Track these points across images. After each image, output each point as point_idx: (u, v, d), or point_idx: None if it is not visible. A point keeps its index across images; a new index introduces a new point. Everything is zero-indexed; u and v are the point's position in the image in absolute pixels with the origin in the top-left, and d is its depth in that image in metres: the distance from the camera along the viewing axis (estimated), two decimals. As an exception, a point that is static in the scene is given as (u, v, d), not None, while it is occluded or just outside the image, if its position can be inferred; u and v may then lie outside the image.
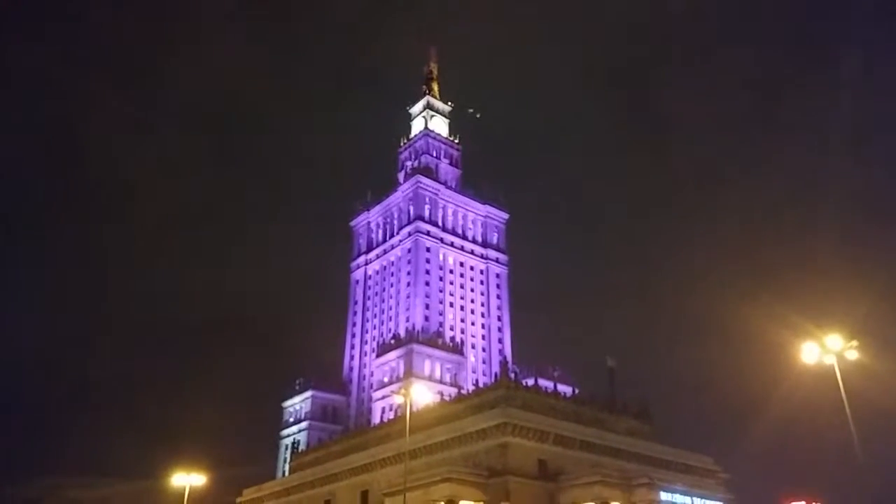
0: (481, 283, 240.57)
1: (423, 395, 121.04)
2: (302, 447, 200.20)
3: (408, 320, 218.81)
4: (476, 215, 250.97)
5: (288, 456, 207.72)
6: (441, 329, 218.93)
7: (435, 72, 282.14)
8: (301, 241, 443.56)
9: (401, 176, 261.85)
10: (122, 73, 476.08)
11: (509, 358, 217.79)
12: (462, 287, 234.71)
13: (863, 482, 56.32)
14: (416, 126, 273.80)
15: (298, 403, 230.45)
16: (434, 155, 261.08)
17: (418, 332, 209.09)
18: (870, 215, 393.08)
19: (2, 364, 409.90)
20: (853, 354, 51.63)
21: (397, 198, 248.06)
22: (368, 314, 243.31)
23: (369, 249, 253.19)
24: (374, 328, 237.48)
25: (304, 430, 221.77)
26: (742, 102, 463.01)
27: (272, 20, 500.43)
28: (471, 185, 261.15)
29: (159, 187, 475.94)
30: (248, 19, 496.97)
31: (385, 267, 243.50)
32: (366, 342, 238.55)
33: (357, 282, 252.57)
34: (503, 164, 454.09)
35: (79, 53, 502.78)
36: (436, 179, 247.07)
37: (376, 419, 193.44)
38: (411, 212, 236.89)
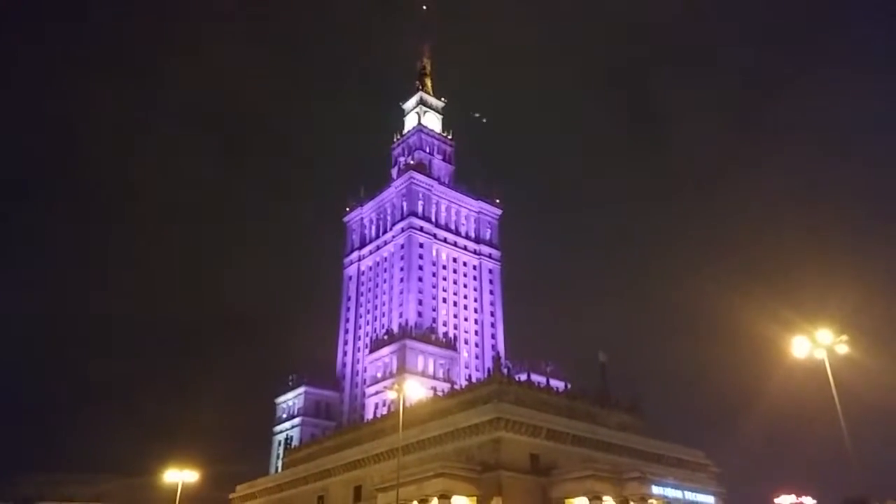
0: (474, 278, 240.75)
1: (416, 390, 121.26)
2: (295, 443, 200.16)
3: (401, 316, 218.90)
4: (469, 211, 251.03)
5: (281, 452, 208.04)
6: (434, 325, 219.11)
7: (428, 68, 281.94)
8: (294, 238, 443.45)
9: (394, 172, 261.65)
10: (122, 73, 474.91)
11: (502, 353, 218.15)
12: (455, 283, 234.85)
13: (852, 476, 56.79)
14: (410, 122, 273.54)
15: (291, 399, 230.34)
16: (427, 151, 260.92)
17: (411, 327, 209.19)
18: (862, 212, 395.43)
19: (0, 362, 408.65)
20: (843, 349, 52.02)
21: (390, 194, 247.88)
22: (361, 310, 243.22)
23: (362, 245, 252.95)
24: (368, 324, 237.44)
25: (297, 426, 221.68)
26: (741, 102, 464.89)
27: (270, 20, 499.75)
28: (464, 181, 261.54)
29: (159, 187, 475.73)
30: (247, 19, 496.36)
31: (378, 263, 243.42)
32: (359, 338, 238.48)
33: (350, 278, 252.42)
34: (496, 160, 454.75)
35: (79, 53, 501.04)
36: (429, 175, 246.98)
37: (369, 415, 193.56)
38: (404, 208, 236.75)
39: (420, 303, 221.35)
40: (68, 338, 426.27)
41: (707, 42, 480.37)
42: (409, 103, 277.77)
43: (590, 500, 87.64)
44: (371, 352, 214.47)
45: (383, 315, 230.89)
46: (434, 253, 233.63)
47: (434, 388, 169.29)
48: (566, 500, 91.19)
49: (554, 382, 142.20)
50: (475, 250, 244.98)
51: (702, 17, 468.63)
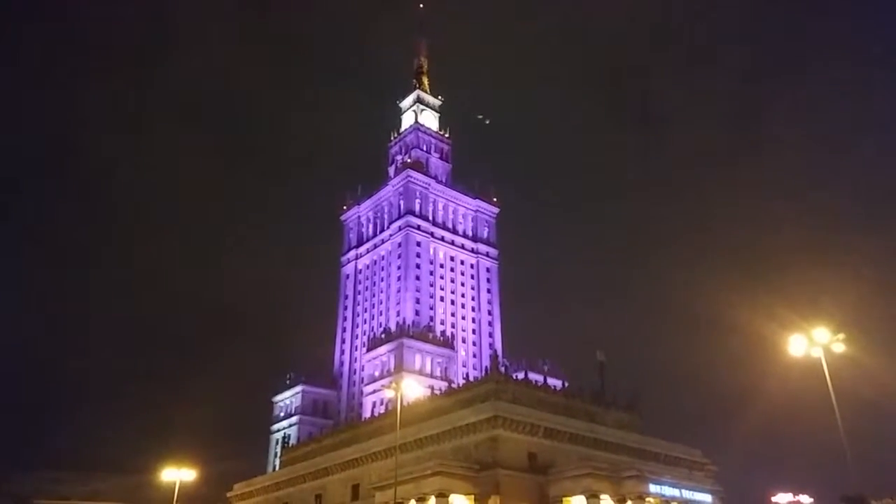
0: (472, 277, 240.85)
1: (413, 389, 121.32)
2: (292, 441, 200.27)
3: (398, 314, 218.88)
4: (466, 209, 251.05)
5: (279, 450, 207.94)
6: (431, 323, 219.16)
7: (425, 66, 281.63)
8: (291, 236, 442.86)
9: (391, 170, 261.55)
10: (122, 72, 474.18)
11: (499, 352, 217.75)
12: (452, 281, 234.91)
13: (849, 474, 56.89)
14: (407, 120, 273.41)
15: (289, 398, 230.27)
16: (424, 149, 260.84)
17: (409, 326, 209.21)
18: (860, 211, 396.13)
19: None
20: (840, 347, 52.00)
21: (388, 192, 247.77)
22: (359, 308, 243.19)
23: (360, 244, 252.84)
24: (365, 322, 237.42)
25: (294, 424, 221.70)
26: (741, 101, 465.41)
27: (268, 19, 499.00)
28: (461, 180, 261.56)
29: (158, 186, 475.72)
30: (246, 18, 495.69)
31: (375, 261, 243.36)
32: (356, 336, 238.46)
33: (347, 276, 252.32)
34: (494, 158, 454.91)
35: (78, 52, 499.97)
36: (426, 174, 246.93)
37: (367, 413, 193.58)
38: (402, 206, 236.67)
39: (417, 301, 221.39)
40: (66, 337, 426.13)
41: (707, 42, 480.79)
42: (407, 101, 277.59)
43: (587, 498, 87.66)
44: (368, 350, 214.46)
45: (381, 314, 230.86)
46: (431, 251, 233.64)
47: (432, 387, 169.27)
48: (564, 499, 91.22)
49: (551, 381, 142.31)
50: (473, 249, 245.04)
51: (702, 17, 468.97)
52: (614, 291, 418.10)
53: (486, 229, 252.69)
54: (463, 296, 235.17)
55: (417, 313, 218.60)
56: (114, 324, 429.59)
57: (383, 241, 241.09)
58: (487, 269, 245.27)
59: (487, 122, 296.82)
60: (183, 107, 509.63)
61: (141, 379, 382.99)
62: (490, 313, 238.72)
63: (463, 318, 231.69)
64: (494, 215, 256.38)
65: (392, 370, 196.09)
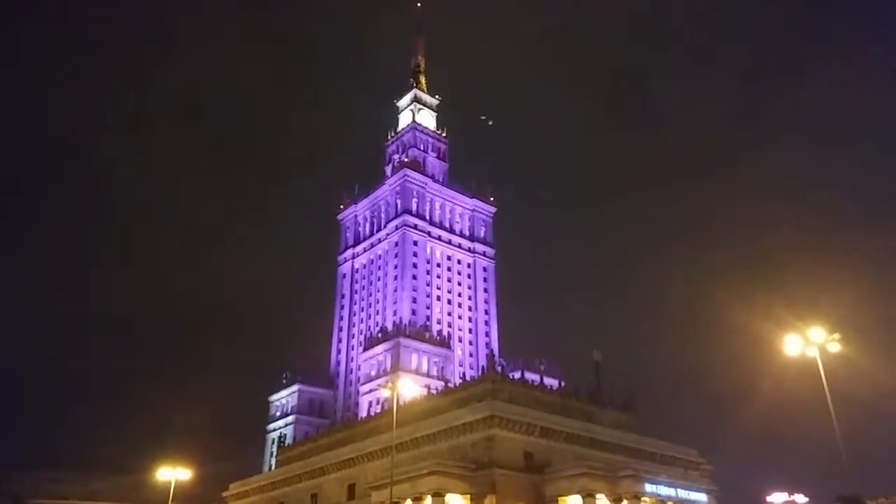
0: (468, 276, 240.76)
1: (409, 388, 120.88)
2: (289, 441, 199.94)
3: (395, 314, 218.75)
4: (463, 209, 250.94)
5: (274, 450, 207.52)
6: (428, 323, 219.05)
7: (423, 65, 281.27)
8: (289, 236, 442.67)
9: (388, 169, 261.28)
10: (122, 72, 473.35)
11: (496, 351, 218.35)
12: (449, 281, 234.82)
13: (844, 473, 56.96)
14: (404, 119, 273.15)
15: (285, 397, 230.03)
16: (421, 148, 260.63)
17: (405, 325, 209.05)
18: (856, 211, 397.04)
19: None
20: (835, 347, 52.09)
21: (384, 191, 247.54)
22: (355, 308, 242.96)
23: (356, 243, 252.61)
24: (361, 322, 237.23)
25: (290, 424, 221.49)
26: (740, 101, 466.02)
27: (267, 20, 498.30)
28: (458, 179, 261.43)
29: (157, 186, 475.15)
30: (246, 19, 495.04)
31: (372, 260, 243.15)
32: (353, 336, 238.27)
33: (344, 275, 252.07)
34: (491, 158, 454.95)
35: (78, 53, 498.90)
36: (423, 173, 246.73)
37: (363, 413, 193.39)
38: (398, 205, 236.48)
39: (414, 301, 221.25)
40: (65, 337, 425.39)
41: (707, 42, 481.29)
42: (404, 101, 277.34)
43: (583, 497, 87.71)
44: (365, 350, 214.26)
45: (377, 313, 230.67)
46: (428, 251, 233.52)
47: (428, 386, 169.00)
48: (560, 498, 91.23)
49: (548, 380, 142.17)
50: (469, 248, 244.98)
51: (702, 17, 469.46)
52: (611, 291, 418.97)
53: (483, 229, 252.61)
54: (460, 295, 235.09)
55: (414, 313, 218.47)
56: (113, 324, 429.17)
57: (380, 241, 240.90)
58: (484, 269, 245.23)
59: (491, 122, 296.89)
60: (183, 107, 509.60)
61: (138, 379, 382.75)
62: (487, 313, 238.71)
63: (459, 317, 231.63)
64: (491, 215, 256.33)
65: (388, 369, 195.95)
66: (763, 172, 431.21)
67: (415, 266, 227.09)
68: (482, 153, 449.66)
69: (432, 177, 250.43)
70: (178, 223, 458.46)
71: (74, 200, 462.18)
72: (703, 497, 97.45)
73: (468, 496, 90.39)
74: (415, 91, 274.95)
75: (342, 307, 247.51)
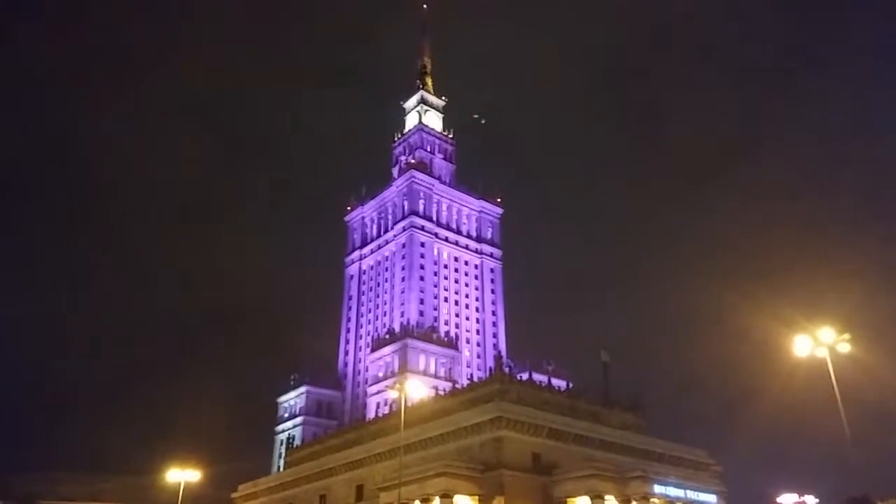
0: (476, 277, 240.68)
1: (417, 389, 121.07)
2: (297, 442, 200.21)
3: (402, 315, 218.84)
4: (470, 210, 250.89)
5: (283, 451, 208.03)
6: (435, 324, 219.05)
7: (429, 67, 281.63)
8: (295, 237, 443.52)
9: (395, 171, 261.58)
10: (122, 72, 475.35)
11: (504, 352, 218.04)
12: (456, 282, 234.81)
13: (854, 474, 56.74)
14: (410, 121, 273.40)
15: (293, 399, 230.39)
16: (428, 150, 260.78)
17: (413, 326, 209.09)
18: (864, 210, 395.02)
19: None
20: (845, 347, 51.85)
21: (391, 193, 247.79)
22: (363, 309, 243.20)
23: (364, 244, 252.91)
24: (369, 323, 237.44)
25: (299, 425, 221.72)
26: (741, 101, 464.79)
27: (271, 19, 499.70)
28: (465, 181, 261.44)
29: (160, 186, 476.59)
30: (248, 19, 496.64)
31: (379, 262, 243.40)
32: (360, 337, 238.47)
33: (351, 277, 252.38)
34: (498, 159, 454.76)
35: (78, 53, 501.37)
36: (430, 174, 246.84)
37: (371, 414, 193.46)
38: (406, 207, 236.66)
39: (421, 302, 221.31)
40: (68, 337, 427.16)
41: (707, 42, 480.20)
42: (410, 102, 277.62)
43: (592, 499, 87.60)
44: (372, 351, 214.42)
45: (385, 314, 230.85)
46: (435, 252, 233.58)
47: (436, 388, 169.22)
48: (568, 500, 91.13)
49: (556, 381, 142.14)
50: (476, 249, 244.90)
51: (702, 17, 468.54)
52: (618, 291, 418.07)
53: (490, 230, 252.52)
54: (467, 296, 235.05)
55: (421, 314, 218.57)
56: (118, 324, 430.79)
57: (387, 242, 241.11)
58: (491, 270, 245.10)
59: (483, 121, 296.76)
60: (183, 107, 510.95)
61: (145, 379, 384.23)
62: (494, 314, 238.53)
63: (467, 318, 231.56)
64: (498, 216, 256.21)
65: (396, 371, 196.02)
66: (765, 172, 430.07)
67: (422, 267, 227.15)
68: (489, 154, 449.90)
69: (439, 178, 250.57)
70: (181, 223, 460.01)
71: (74, 200, 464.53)
72: (712, 498, 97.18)
73: (476, 497, 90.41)
74: (421, 93, 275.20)
75: (350, 308, 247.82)
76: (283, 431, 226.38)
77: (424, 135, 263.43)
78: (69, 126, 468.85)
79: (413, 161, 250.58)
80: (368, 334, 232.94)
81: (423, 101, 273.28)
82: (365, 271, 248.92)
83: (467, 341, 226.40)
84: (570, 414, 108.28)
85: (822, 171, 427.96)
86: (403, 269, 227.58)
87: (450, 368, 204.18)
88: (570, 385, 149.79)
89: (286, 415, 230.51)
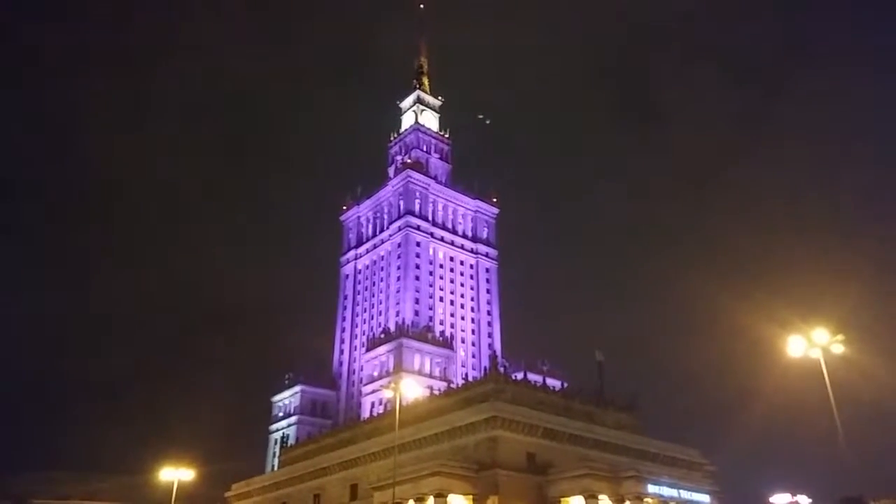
0: (471, 277, 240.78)
1: (412, 389, 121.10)
2: (291, 441, 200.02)
3: (398, 315, 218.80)
4: (466, 210, 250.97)
5: (277, 450, 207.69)
6: (431, 323, 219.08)
7: (426, 66, 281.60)
8: (291, 236, 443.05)
9: (391, 170, 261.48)
10: (122, 72, 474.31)
11: (499, 352, 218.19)
12: (452, 282, 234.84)
13: (847, 474, 56.95)
14: (407, 120, 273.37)
15: (288, 398, 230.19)
16: (424, 149, 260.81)
17: (408, 326, 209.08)
18: (859, 211, 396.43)
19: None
20: (839, 348, 51.93)
21: (387, 192, 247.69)
22: (358, 309, 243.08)
23: (359, 244, 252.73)
24: (364, 322, 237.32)
25: (293, 424, 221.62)
26: (741, 101, 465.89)
27: (268, 19, 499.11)
28: (461, 180, 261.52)
29: (158, 186, 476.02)
30: (247, 19, 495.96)
31: (375, 261, 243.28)
32: (355, 337, 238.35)
33: (347, 276, 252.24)
34: (494, 159, 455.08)
35: (78, 53, 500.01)
36: (426, 174, 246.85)
37: (366, 413, 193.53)
38: (401, 206, 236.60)
39: (417, 301, 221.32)
40: (65, 337, 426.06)
41: (707, 41, 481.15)
42: (407, 102, 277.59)
43: (586, 498, 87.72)
44: (368, 350, 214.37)
45: (380, 314, 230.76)
46: (431, 252, 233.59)
47: (431, 387, 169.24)
48: (562, 499, 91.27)
49: (550, 381, 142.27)
50: (472, 249, 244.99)
51: (702, 17, 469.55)
52: (614, 292, 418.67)
53: (486, 230, 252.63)
54: (462, 296, 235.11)
55: (417, 313, 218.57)
56: (113, 323, 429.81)
57: (383, 242, 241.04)
58: (487, 270, 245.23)
59: (488, 121, 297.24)
60: (183, 107, 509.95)
61: (140, 379, 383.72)
62: (489, 314, 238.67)
63: (462, 318, 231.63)
64: (494, 216, 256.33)
65: (391, 370, 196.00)
66: (763, 172, 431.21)
67: (417, 267, 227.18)
68: (485, 154, 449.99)
69: (435, 178, 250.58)
70: (179, 223, 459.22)
71: (74, 200, 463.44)
72: (705, 498, 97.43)
73: (470, 497, 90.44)
74: (418, 92, 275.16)
75: (345, 308, 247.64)
76: (278, 431, 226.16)
77: (420, 134, 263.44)
78: (69, 126, 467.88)
79: (409, 161, 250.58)
80: (364, 334, 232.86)
81: (419, 100, 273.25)
82: (360, 271, 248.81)
83: (462, 341, 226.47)
84: (565, 414, 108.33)
85: (821, 171, 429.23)
86: (399, 268, 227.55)
87: (445, 368, 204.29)
88: (565, 385, 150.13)
89: (280, 414, 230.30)
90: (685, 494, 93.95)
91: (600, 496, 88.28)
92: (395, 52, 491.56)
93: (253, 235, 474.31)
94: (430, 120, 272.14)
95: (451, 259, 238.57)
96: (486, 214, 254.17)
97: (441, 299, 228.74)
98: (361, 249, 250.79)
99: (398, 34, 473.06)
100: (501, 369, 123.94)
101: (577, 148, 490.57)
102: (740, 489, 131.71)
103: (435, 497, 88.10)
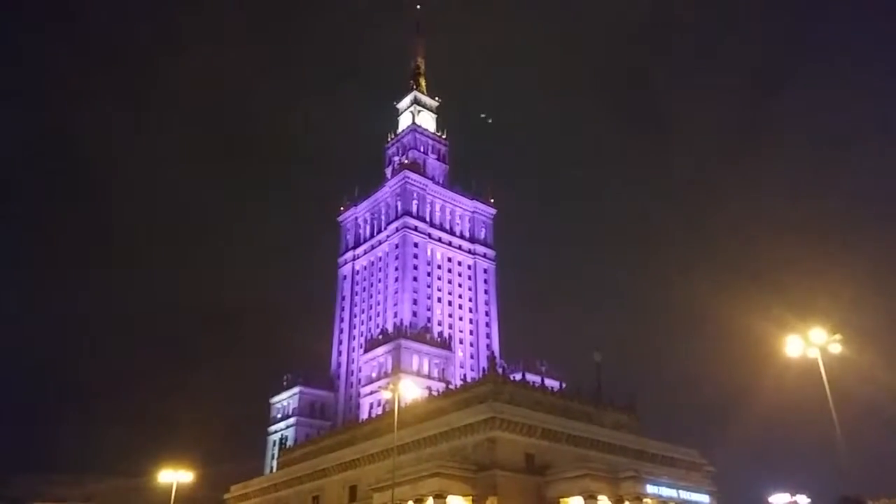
0: (469, 278, 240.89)
1: (410, 390, 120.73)
2: (290, 443, 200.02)
3: (395, 315, 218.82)
4: (464, 211, 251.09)
5: (276, 452, 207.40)
6: (429, 324, 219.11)
7: (422, 67, 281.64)
8: (288, 237, 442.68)
9: (388, 171, 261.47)
10: (122, 72, 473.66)
11: (497, 353, 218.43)
12: (450, 282, 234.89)
13: (846, 474, 57.01)
14: (404, 121, 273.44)
15: (286, 399, 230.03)
16: (421, 150, 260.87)
17: (406, 327, 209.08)
18: (857, 211, 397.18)
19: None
20: (837, 348, 52.03)
21: (385, 193, 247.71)
22: (356, 310, 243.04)
23: (357, 245, 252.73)
24: (362, 323, 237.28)
25: (291, 426, 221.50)
26: (741, 102, 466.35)
27: (268, 21, 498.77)
28: (459, 181, 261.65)
29: (157, 186, 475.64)
30: (246, 19, 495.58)
31: (373, 262, 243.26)
32: (353, 338, 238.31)
33: (345, 277, 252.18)
34: (491, 159, 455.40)
35: (78, 53, 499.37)
36: (423, 175, 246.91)
37: (364, 415, 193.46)
38: (399, 207, 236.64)
39: (415, 302, 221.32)
40: (65, 337, 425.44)
41: (707, 42, 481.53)
42: (404, 102, 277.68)
43: (585, 499, 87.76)
44: (366, 351, 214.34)
45: (378, 315, 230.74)
46: (429, 252, 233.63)
47: (429, 388, 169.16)
48: (561, 500, 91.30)
49: (549, 382, 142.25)
50: (470, 250, 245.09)
51: (702, 17, 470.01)
52: (612, 292, 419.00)
53: (484, 230, 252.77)
54: (460, 297, 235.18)
55: (415, 314, 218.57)
56: (112, 324, 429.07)
57: (380, 243, 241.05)
58: (485, 270, 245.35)
59: (490, 120, 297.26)
60: (183, 107, 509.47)
61: (138, 381, 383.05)
62: (487, 314, 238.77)
63: (460, 319, 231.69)
64: (492, 216, 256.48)
65: (389, 371, 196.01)
66: (762, 173, 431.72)
67: (415, 268, 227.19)
68: (482, 155, 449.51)
69: (432, 178, 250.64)
70: (177, 223, 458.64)
71: (74, 200, 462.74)
72: (704, 498, 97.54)
73: (469, 498, 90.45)
74: (415, 93, 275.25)
75: (343, 309, 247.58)
76: (276, 432, 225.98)
77: (418, 135, 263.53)
78: (69, 126, 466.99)
79: (406, 161, 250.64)
80: (362, 335, 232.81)
81: (416, 101, 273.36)
82: (358, 272, 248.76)
83: (460, 342, 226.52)
84: (564, 414, 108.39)
85: (820, 172, 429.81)
86: (397, 269, 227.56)
87: (443, 369, 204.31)
88: (564, 385, 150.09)
89: (279, 415, 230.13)
90: (684, 495, 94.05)
91: (599, 497, 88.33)
92: (392, 52, 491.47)
93: (251, 236, 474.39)
94: (428, 121, 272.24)
95: (449, 260, 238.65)
96: (483, 215, 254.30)
97: (439, 300, 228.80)
98: (359, 250, 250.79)
99: (395, 35, 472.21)
100: (500, 370, 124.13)
101: (576, 149, 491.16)
102: (739, 489, 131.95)
103: (434, 498, 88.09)
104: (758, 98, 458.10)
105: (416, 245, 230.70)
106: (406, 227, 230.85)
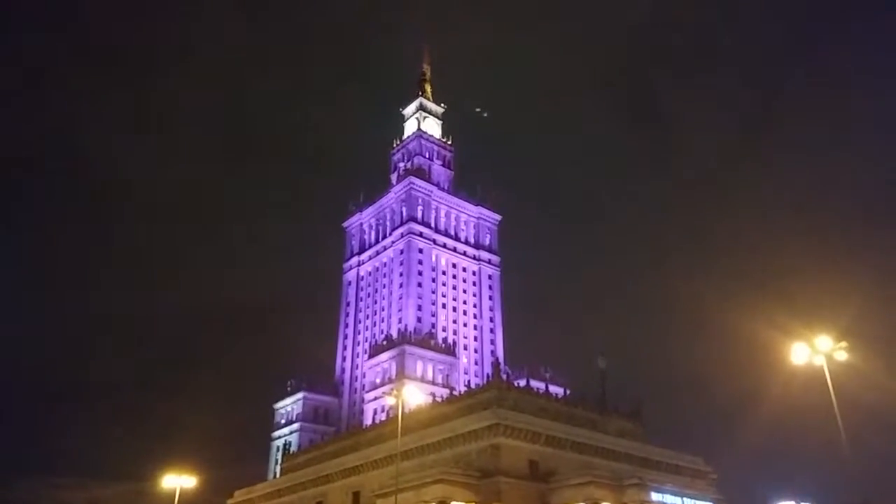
0: (474, 284, 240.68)
1: (415, 396, 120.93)
2: (293, 448, 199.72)
3: (400, 321, 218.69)
4: (469, 217, 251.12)
5: (279, 457, 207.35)
6: (433, 330, 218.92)
7: (428, 73, 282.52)
8: (293, 243, 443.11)
9: (393, 177, 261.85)
10: (122, 72, 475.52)
11: (501, 359, 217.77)
12: (454, 288, 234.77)
13: (851, 481, 56.68)
14: (409, 127, 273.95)
15: (290, 405, 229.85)
16: (427, 156, 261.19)
17: (410, 333, 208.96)
18: (862, 217, 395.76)
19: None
20: (842, 355, 51.92)
21: (390, 199, 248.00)
22: (361, 315, 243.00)
23: (362, 250, 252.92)
24: (367, 329, 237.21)
25: (295, 431, 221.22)
26: (741, 102, 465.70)
27: (270, 22, 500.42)
28: (464, 187, 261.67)
29: (159, 187, 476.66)
30: (247, 20, 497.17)
31: (378, 268, 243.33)
32: (358, 343, 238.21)
33: (349, 283, 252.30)
34: (496, 165, 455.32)
35: (78, 53, 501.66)
36: (428, 181, 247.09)
37: (368, 420, 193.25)
38: (404, 213, 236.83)
39: (419, 308, 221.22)
40: (66, 343, 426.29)
41: (707, 42, 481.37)
42: (409, 109, 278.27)
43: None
44: (370, 357, 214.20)
45: (382, 320, 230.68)
46: (433, 258, 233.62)
47: (433, 394, 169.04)
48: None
49: (553, 388, 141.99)
50: (474, 256, 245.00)
51: (702, 17, 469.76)
52: (616, 298, 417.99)
53: (489, 236, 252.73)
54: (465, 303, 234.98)
55: (419, 320, 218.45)
56: (114, 328, 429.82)
57: (385, 248, 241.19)
58: (489, 277, 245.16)
59: (485, 114, 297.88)
60: (184, 107, 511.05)
61: (142, 385, 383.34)
62: (492, 320, 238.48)
63: (465, 325, 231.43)
64: (496, 222, 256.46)
65: (393, 377, 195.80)
66: (766, 177, 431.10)
67: (420, 274, 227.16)
68: (487, 161, 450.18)
69: (437, 185, 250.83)
70: (180, 226, 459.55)
71: (74, 201, 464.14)
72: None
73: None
74: (420, 99, 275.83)
75: (347, 315, 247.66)
76: (280, 438, 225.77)
77: (423, 141, 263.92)
78: (69, 126, 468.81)
79: (411, 167, 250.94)
80: (366, 340, 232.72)
81: (421, 107, 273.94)
82: (363, 277, 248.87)
83: (465, 348, 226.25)
84: (568, 421, 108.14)
85: (822, 175, 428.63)
86: (401, 275, 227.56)
87: (447, 375, 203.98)
88: (568, 392, 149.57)
89: (283, 421, 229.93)
90: (688, 502, 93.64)
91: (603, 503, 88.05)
92: (398, 58, 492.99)
93: (256, 241, 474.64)
94: (433, 127, 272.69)
95: (454, 266, 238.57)
96: (488, 221, 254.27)
97: (443, 306, 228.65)
98: (364, 256, 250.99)
99: (402, 41, 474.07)
100: (504, 376, 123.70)
101: (580, 152, 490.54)
102: (744, 497, 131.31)
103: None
104: (758, 98, 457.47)
105: (420, 251, 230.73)
106: (411, 233, 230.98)
